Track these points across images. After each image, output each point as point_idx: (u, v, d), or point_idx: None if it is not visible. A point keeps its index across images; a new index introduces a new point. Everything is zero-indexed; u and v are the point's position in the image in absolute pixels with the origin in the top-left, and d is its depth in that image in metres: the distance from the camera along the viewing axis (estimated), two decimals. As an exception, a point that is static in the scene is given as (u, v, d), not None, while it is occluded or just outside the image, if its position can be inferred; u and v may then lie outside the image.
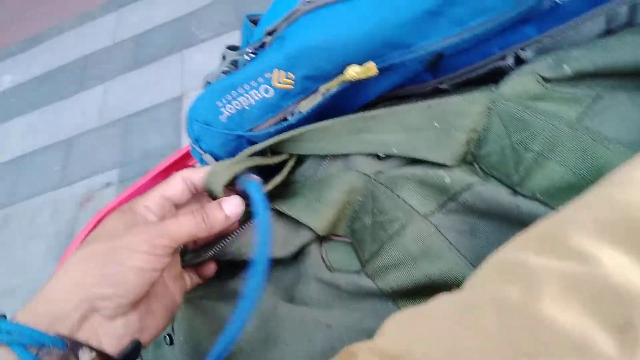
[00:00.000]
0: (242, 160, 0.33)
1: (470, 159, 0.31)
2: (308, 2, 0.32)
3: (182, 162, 0.60)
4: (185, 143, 1.44)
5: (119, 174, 1.48)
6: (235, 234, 0.32)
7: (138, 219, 0.28)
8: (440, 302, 0.25)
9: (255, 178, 0.32)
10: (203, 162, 0.40)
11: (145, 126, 1.56)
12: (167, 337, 0.36)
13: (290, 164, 0.35)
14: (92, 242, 0.26)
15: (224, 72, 0.42)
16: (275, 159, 0.35)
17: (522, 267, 0.21)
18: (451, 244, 0.29)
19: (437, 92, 0.36)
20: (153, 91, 1.65)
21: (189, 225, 0.28)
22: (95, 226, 0.58)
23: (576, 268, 0.18)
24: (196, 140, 0.39)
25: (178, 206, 0.32)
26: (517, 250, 0.23)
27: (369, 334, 0.28)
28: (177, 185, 0.31)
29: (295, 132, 0.34)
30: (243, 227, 0.33)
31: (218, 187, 0.31)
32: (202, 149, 0.39)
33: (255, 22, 0.46)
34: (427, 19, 0.29)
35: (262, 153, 0.35)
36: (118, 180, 1.47)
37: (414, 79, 0.35)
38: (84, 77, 1.84)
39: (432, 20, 0.30)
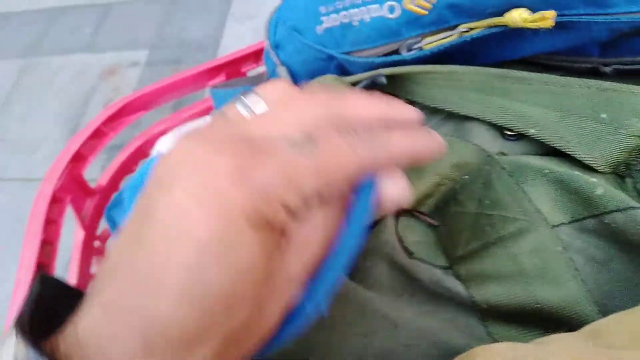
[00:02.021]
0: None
1: (623, 171, 0.24)
2: None
3: (235, 65, 0.52)
4: (226, 43, 1.34)
5: (149, 55, 1.40)
6: None
7: None
8: (563, 348, 0.19)
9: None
10: (273, 75, 0.33)
11: (189, 10, 1.45)
12: None
13: None
14: None
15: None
16: None
17: None
18: (577, 270, 0.22)
19: (595, 74, 0.28)
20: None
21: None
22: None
23: None
24: (276, 46, 0.31)
25: None
26: None
27: (444, 349, 0.22)
28: None
29: (411, 69, 0.26)
30: None
31: None
32: (279, 58, 0.32)
33: None
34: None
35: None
36: (146, 62, 1.39)
37: (579, 49, 0.27)
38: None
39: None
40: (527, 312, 0.22)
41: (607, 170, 0.24)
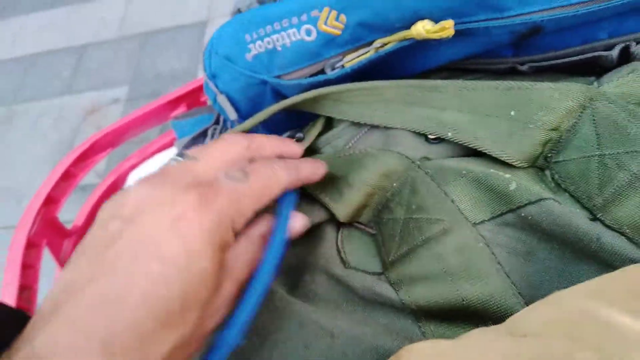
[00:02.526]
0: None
1: (542, 164, 0.25)
2: None
3: (195, 95, 0.53)
4: (202, 74, 1.37)
5: (128, 91, 1.42)
6: None
7: None
8: (479, 342, 0.19)
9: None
10: (216, 104, 0.34)
11: (163, 47, 1.48)
12: None
13: (318, 128, 0.29)
14: None
15: (259, 1, 0.35)
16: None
17: (604, 328, 0.16)
18: (500, 264, 0.23)
19: (513, 74, 0.29)
20: (178, 10, 1.55)
21: None
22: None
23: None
24: (212, 76, 0.32)
25: None
26: (599, 300, 0.18)
27: (380, 353, 0.23)
28: None
29: (335, 89, 0.28)
30: None
31: None
32: (217, 88, 0.33)
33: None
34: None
35: None
36: (126, 98, 1.41)
37: (491, 52, 0.28)
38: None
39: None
40: (455, 309, 0.23)
41: (525, 164, 0.25)
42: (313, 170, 0.26)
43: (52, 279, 0.53)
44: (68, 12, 1.66)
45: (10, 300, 0.47)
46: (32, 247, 0.51)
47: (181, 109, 0.53)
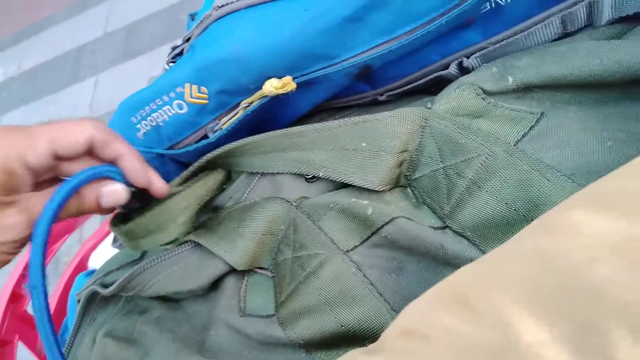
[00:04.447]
0: None
1: (404, 182, 0.27)
2: (219, 6, 0.28)
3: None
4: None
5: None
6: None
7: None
8: None
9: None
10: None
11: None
12: None
13: (206, 185, 0.32)
14: None
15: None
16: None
17: (427, 332, 0.18)
18: (373, 285, 0.25)
19: (377, 104, 0.32)
20: (145, 83, 1.61)
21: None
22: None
23: (488, 336, 0.15)
24: (119, 158, 0.35)
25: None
26: (430, 307, 0.20)
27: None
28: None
29: (219, 151, 0.30)
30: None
31: None
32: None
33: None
34: (348, 27, 0.25)
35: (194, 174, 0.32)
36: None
37: (350, 90, 0.31)
38: (77, 68, 1.81)
39: (353, 28, 0.25)
40: (338, 336, 0.24)
41: (387, 187, 0.27)
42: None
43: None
44: (40, 105, 1.73)
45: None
46: (4, 345, 0.52)
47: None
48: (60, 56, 1.90)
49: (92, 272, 0.51)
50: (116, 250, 0.51)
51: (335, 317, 0.25)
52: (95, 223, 0.73)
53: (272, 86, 0.27)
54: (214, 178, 0.32)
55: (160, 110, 0.31)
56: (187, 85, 0.29)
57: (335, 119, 0.33)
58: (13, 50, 2.03)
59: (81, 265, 0.61)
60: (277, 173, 0.30)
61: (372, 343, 0.22)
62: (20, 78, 1.89)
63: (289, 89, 0.27)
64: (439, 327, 0.18)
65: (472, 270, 0.19)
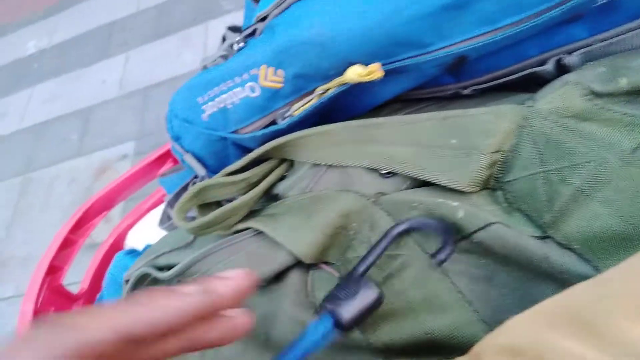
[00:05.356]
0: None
1: (493, 185, 0.25)
2: (304, -16, 0.26)
3: (171, 155, 0.55)
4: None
5: (135, 146, 1.46)
6: None
7: None
8: None
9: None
10: (185, 163, 0.36)
11: (164, 99, 1.52)
12: None
13: (274, 175, 0.30)
14: None
15: (223, 57, 0.36)
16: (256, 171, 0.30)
17: (539, 353, 0.16)
18: (461, 293, 0.23)
19: (459, 97, 0.30)
20: (174, 63, 1.61)
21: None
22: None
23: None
24: (177, 138, 0.34)
25: None
26: (541, 327, 0.18)
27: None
28: None
29: (288, 138, 0.29)
30: None
31: None
32: (183, 148, 0.34)
33: None
34: (449, 14, 0.23)
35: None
36: (134, 153, 1.45)
37: (432, 81, 0.29)
38: (108, 44, 1.81)
39: (454, 15, 0.23)
40: (421, 343, 0.23)
41: (476, 189, 0.25)
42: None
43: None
44: (71, 79, 1.74)
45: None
46: (40, 316, 0.52)
47: (168, 166, 0.55)
48: (91, 31, 1.90)
49: (132, 251, 0.50)
50: (156, 230, 0.50)
51: (420, 324, 0.23)
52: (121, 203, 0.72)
53: (356, 73, 0.25)
54: (281, 168, 0.30)
55: (230, 92, 0.29)
56: (263, 67, 0.27)
57: (410, 112, 0.31)
58: (45, 23, 2.04)
59: (116, 244, 0.61)
60: (349, 166, 0.29)
61: (459, 356, 0.21)
62: (51, 51, 1.90)
63: (375, 77, 0.25)
64: (556, 350, 0.16)
65: (594, 292, 0.18)
